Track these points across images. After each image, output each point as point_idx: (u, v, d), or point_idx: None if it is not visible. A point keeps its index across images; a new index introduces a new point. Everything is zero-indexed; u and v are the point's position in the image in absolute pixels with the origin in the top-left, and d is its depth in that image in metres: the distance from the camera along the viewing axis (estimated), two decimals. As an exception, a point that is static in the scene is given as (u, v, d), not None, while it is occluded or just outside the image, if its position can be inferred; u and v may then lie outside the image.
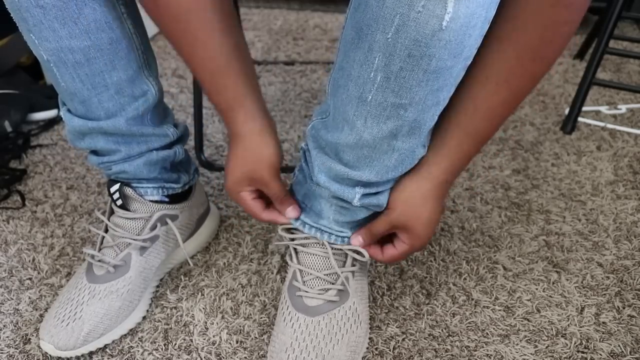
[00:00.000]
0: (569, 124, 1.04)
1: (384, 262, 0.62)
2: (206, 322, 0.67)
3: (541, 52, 0.47)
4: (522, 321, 0.67)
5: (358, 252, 0.62)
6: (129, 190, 0.65)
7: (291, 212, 0.61)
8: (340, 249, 0.62)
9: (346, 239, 0.61)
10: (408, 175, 0.55)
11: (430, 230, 0.57)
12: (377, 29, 0.41)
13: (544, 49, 0.47)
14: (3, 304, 0.70)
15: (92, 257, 0.66)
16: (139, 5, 0.55)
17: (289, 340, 0.59)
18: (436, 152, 0.54)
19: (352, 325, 0.61)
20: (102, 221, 0.71)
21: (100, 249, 0.66)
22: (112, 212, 0.67)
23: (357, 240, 0.61)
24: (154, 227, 0.67)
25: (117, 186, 0.64)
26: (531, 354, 0.63)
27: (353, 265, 0.63)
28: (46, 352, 0.63)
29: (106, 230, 0.67)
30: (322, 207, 0.59)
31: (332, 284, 0.62)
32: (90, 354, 0.63)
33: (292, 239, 0.63)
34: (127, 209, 0.66)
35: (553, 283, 0.72)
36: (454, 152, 0.54)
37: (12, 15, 0.52)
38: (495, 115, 0.52)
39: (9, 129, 1.01)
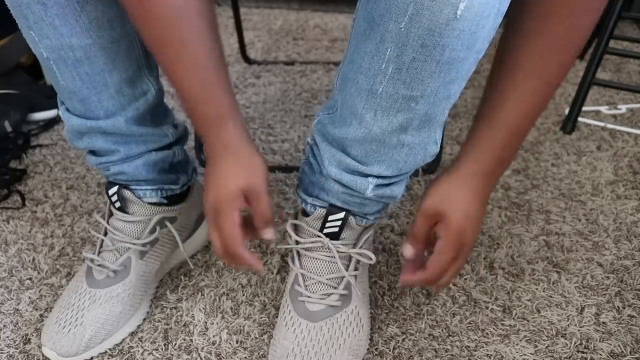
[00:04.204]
0: (569, 124, 1.04)
1: (431, 279, 0.56)
2: (206, 322, 0.67)
3: (569, 41, 0.48)
4: (522, 321, 0.67)
5: (365, 255, 0.62)
6: (127, 193, 0.64)
7: (270, 233, 0.57)
8: (346, 252, 0.62)
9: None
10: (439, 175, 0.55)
11: (469, 223, 0.53)
12: (390, 18, 0.40)
13: (571, 37, 0.48)
14: (3, 304, 0.70)
15: (92, 261, 0.65)
16: None
17: (290, 346, 0.59)
18: (465, 143, 0.54)
19: (354, 329, 0.61)
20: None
21: (99, 253, 0.66)
22: (110, 214, 0.67)
23: (408, 250, 0.57)
24: (153, 231, 0.67)
25: (115, 188, 0.63)
26: (531, 354, 0.63)
27: (356, 269, 0.63)
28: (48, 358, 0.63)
29: (105, 233, 0.67)
30: (329, 198, 0.59)
31: (335, 288, 0.61)
32: (90, 354, 0.63)
33: (297, 242, 0.62)
34: (126, 212, 0.65)
35: (553, 283, 0.72)
36: (484, 142, 0.53)
37: (12, 12, 0.51)
38: (526, 106, 0.51)
39: (9, 129, 1.01)
